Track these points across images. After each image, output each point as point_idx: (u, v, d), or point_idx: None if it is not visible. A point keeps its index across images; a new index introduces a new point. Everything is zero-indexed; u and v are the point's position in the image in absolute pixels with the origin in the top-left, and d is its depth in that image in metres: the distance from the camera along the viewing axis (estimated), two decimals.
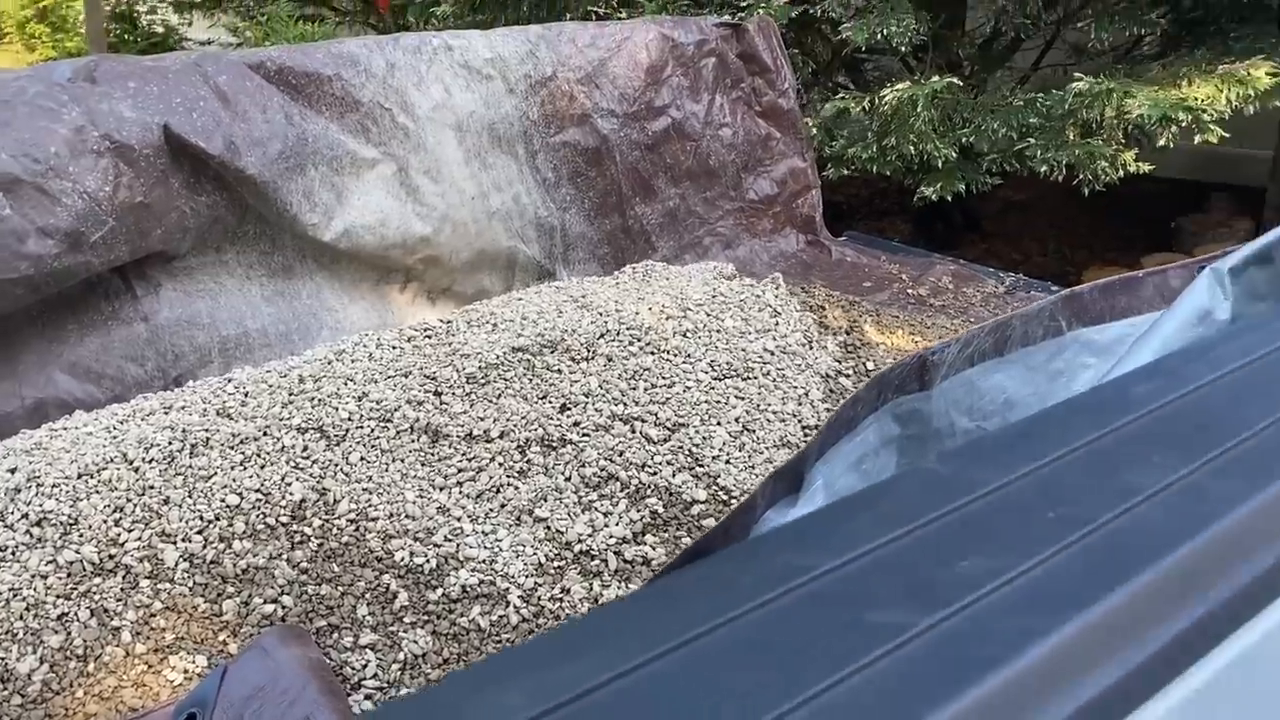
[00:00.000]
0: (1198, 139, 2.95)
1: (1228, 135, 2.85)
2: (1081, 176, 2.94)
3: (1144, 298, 1.18)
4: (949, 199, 3.22)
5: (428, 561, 1.23)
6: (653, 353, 1.51)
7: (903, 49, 3.17)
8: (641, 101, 2.39)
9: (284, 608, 1.21)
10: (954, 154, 3.17)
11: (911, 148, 3.13)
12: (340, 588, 1.23)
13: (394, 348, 1.58)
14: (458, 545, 1.24)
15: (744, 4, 3.22)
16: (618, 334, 1.53)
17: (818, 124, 3.36)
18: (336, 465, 1.34)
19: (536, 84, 2.27)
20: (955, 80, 3.04)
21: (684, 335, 1.56)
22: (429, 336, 1.62)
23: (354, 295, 2.12)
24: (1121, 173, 2.92)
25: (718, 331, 1.60)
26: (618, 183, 2.39)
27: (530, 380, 1.44)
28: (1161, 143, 2.89)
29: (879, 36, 3.07)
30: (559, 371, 1.47)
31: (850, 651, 0.41)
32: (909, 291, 2.41)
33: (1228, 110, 2.92)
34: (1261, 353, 0.65)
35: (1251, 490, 0.50)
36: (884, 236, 4.15)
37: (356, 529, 1.28)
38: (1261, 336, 0.68)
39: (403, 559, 1.23)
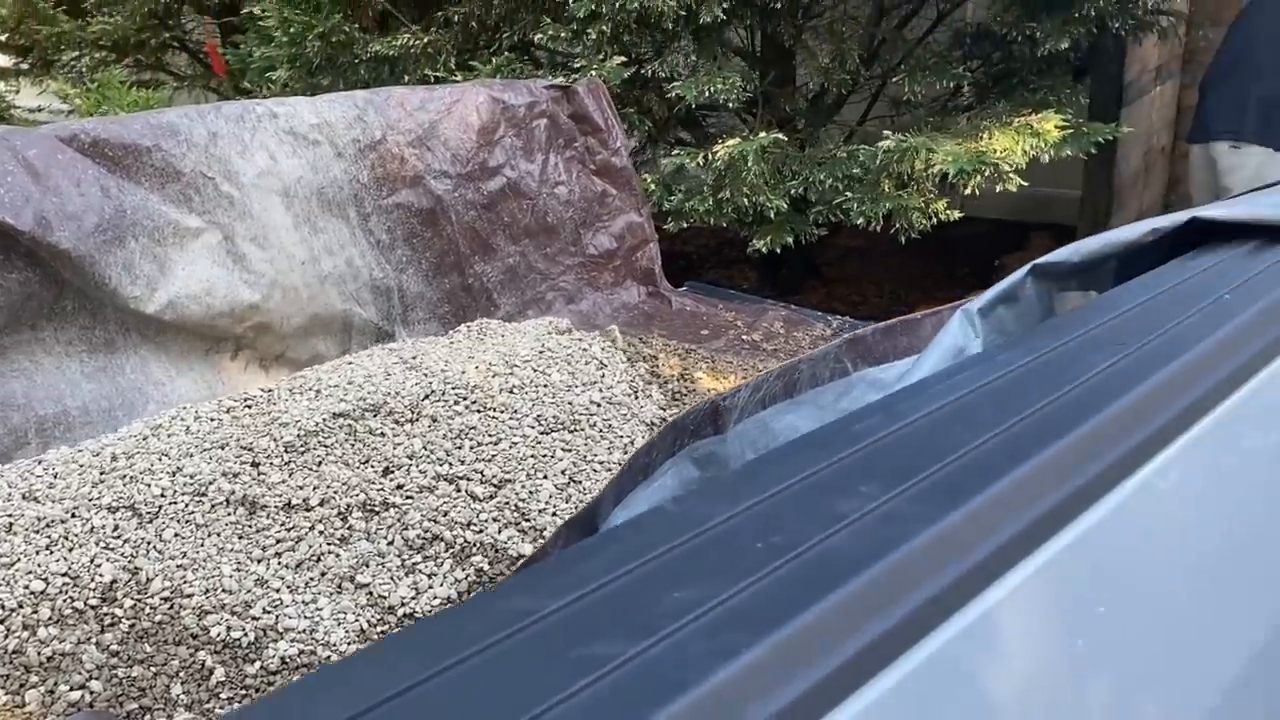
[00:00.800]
0: (999, 188, 3.18)
1: (1026, 184, 3.08)
2: (898, 225, 3.12)
3: (923, 337, 1.27)
4: (779, 250, 3.37)
5: (245, 635, 1.20)
6: (479, 410, 1.53)
7: (731, 105, 3.32)
8: (475, 162, 2.43)
9: (92, 693, 1.17)
10: (784, 205, 3.32)
11: (745, 200, 3.27)
12: (153, 668, 1.20)
13: (212, 420, 1.55)
14: (276, 617, 1.22)
15: (578, 66, 3.32)
16: (443, 394, 1.55)
17: (657, 179, 3.47)
18: (149, 543, 1.30)
19: (366, 148, 2.28)
20: (781, 135, 3.20)
21: (510, 391, 1.59)
22: (249, 406, 1.60)
23: (182, 366, 2.06)
24: (934, 220, 3.12)
25: (544, 386, 1.63)
26: (455, 242, 2.42)
27: (352, 445, 1.44)
28: (967, 191, 3.09)
29: (707, 94, 3.21)
30: (382, 435, 1.47)
31: (555, 685, 0.44)
32: (743, 337, 2.50)
33: (1024, 161, 3.16)
34: (976, 385, 0.72)
35: (937, 514, 0.56)
36: (731, 284, 4.30)
37: (170, 606, 1.25)
38: (979, 371, 0.75)
39: (219, 634, 1.21)
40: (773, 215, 3.32)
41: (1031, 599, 0.56)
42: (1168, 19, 3.93)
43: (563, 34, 3.31)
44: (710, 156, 3.25)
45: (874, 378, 1.22)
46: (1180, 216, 0.97)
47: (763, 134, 3.20)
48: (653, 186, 3.42)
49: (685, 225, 3.48)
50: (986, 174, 3.08)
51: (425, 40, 3.71)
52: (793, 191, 3.37)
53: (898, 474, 0.60)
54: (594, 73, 3.23)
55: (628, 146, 2.69)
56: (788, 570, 0.52)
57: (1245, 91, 3.23)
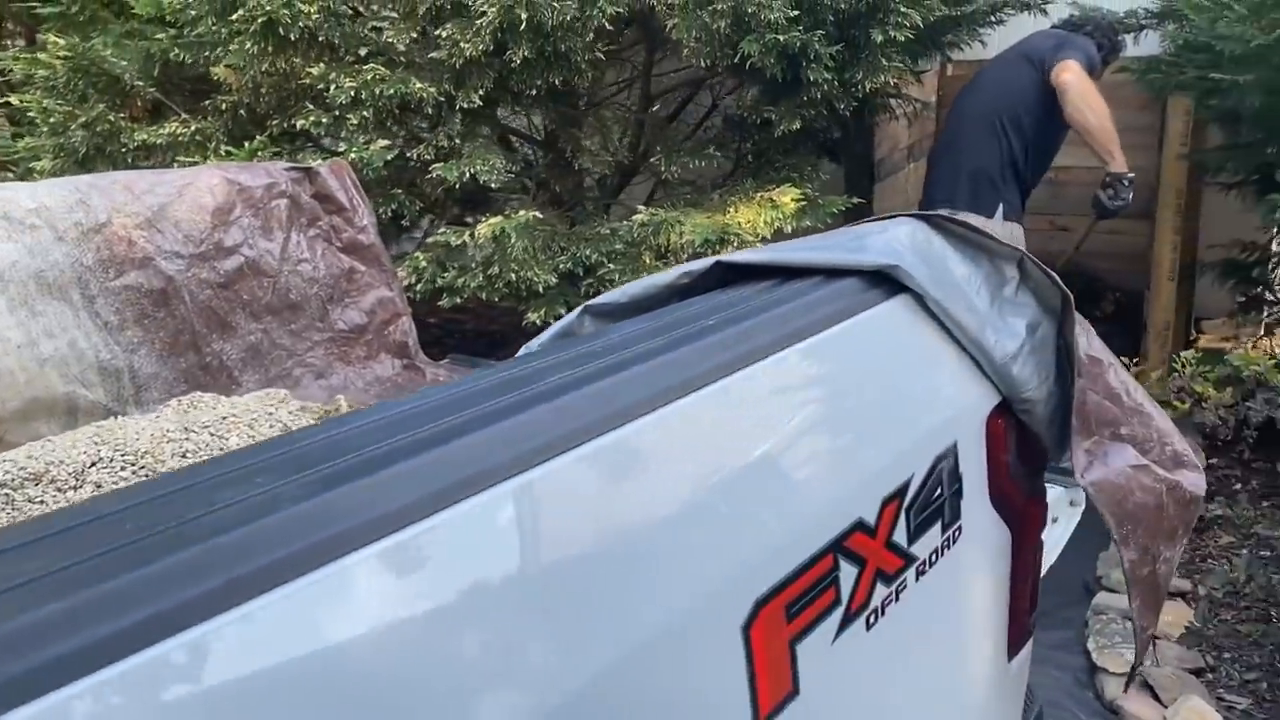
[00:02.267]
0: None
1: None
2: None
3: None
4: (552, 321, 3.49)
5: None
6: (146, 475, 1.55)
7: (493, 186, 3.46)
8: (210, 242, 2.46)
9: None
10: (553, 280, 3.46)
11: (514, 275, 3.39)
12: None
13: None
14: None
15: (341, 150, 3.41)
16: (110, 460, 1.57)
17: (429, 257, 3.56)
18: None
19: (89, 231, 2.28)
20: (538, 214, 3.35)
21: (183, 456, 1.62)
22: None
23: None
24: None
25: (219, 449, 1.66)
26: (190, 321, 2.43)
27: (9, 515, 1.44)
28: None
29: (468, 175, 3.34)
30: (42, 503, 1.47)
31: None
32: None
33: (768, 231, 3.42)
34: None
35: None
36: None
37: None
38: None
39: None
40: (542, 289, 3.45)
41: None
42: (915, 103, 4.35)
43: (324, 120, 3.40)
44: (475, 234, 3.37)
45: None
46: (707, 261, 1.12)
47: (523, 212, 3.34)
48: (424, 264, 3.51)
49: (459, 301, 3.58)
50: (733, 244, 3.30)
51: (194, 129, 3.73)
52: (561, 266, 3.52)
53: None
54: (354, 155, 3.33)
55: (375, 225, 2.77)
56: None
57: (957, 165, 3.60)
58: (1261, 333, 5.13)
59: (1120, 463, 1.27)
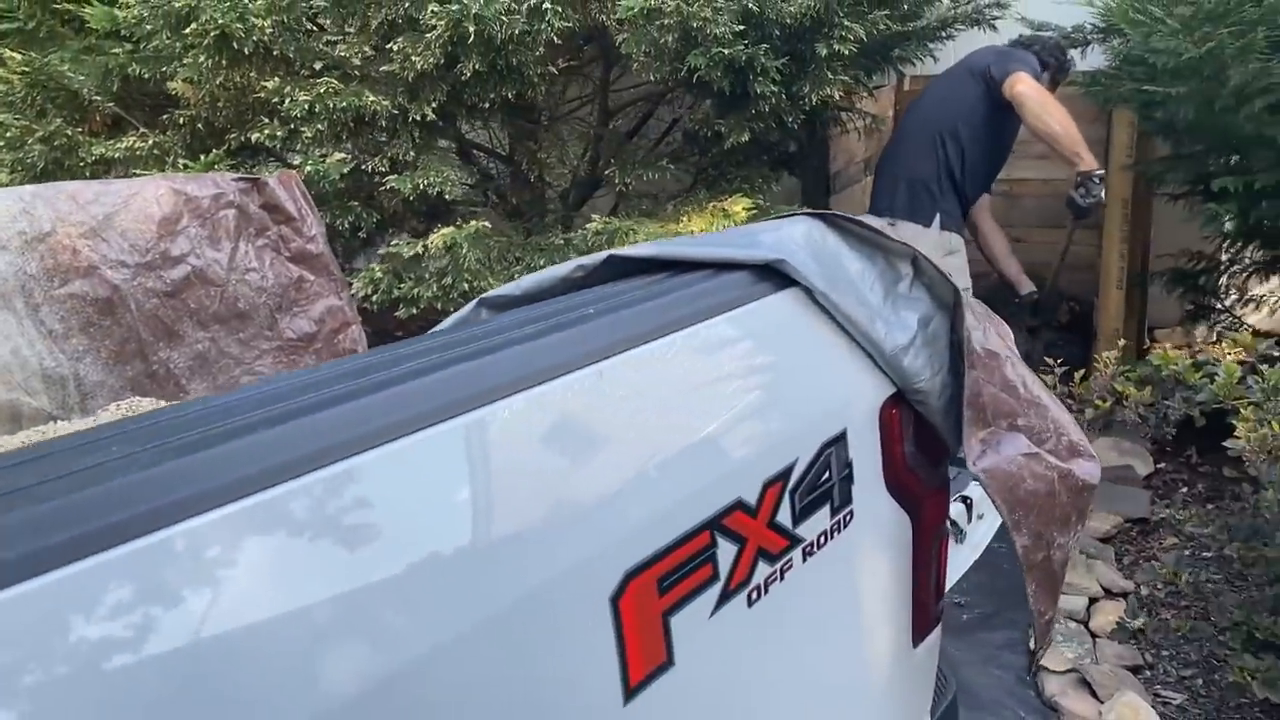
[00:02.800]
0: None
1: None
2: None
3: None
4: None
5: None
6: None
7: (448, 197, 3.50)
8: (156, 251, 2.49)
9: None
10: None
11: (467, 284, 3.43)
12: None
13: None
14: None
15: (296, 163, 3.44)
16: None
17: (385, 269, 3.59)
18: None
19: (33, 240, 2.30)
20: (488, 224, 3.39)
21: None
22: None
23: None
24: None
25: None
26: (136, 330, 2.45)
27: None
28: None
29: (421, 187, 3.38)
30: None
31: None
32: None
33: None
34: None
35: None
36: None
37: None
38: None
39: None
40: None
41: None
42: (867, 117, 4.42)
43: (279, 133, 3.43)
44: (428, 245, 3.41)
45: None
46: (601, 255, 1.16)
47: (474, 222, 3.38)
48: (379, 274, 3.54)
49: (415, 311, 3.61)
50: None
51: (151, 142, 3.76)
52: (515, 274, 3.55)
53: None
54: (309, 168, 3.36)
55: (324, 234, 2.80)
56: None
57: (896, 175, 3.67)
58: (1214, 339, 5.24)
59: (1012, 451, 1.32)
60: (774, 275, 1.18)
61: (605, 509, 0.88)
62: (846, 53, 3.34)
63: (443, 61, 3.21)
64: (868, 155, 5.14)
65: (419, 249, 3.42)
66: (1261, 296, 4.71)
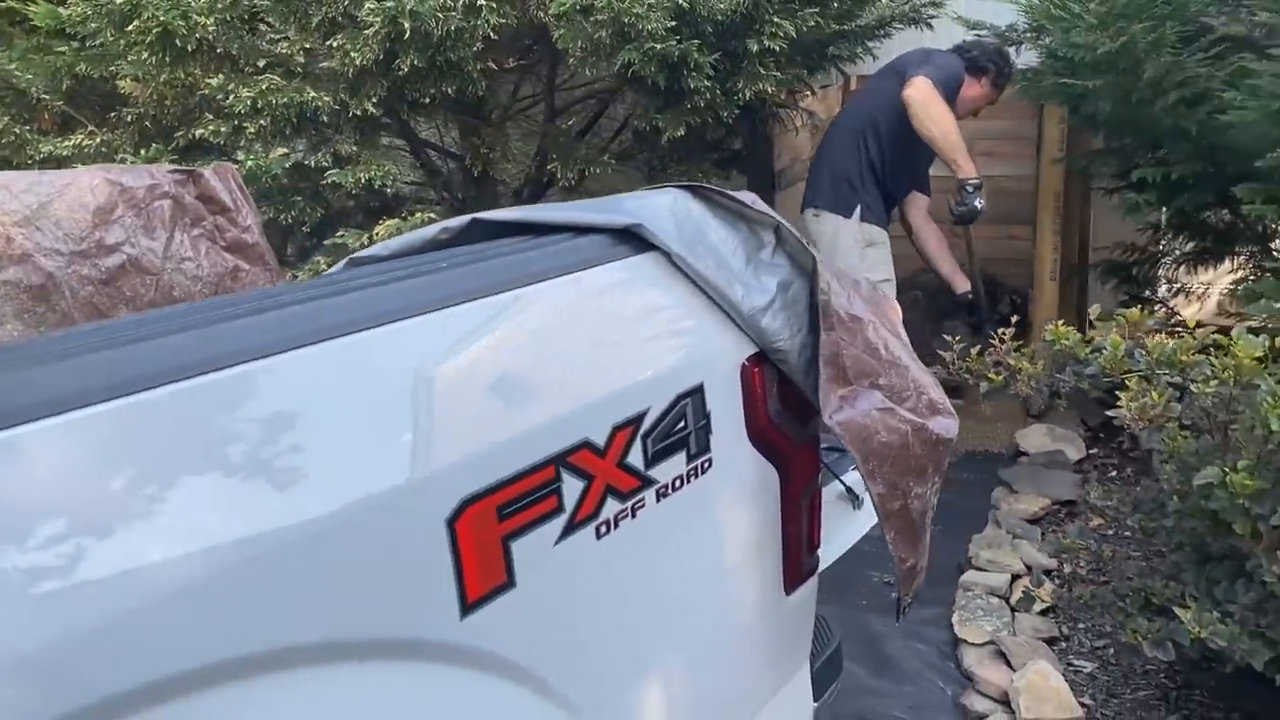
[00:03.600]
0: None
1: None
2: None
3: None
4: None
5: None
6: None
7: (389, 191, 3.56)
8: (91, 240, 2.54)
9: None
10: None
11: None
12: None
13: None
14: None
15: (240, 159, 3.50)
16: None
17: (329, 261, 3.65)
18: None
19: None
20: (433, 215, 3.47)
21: None
22: None
23: None
24: None
25: None
26: (71, 316, 2.51)
27: None
28: None
29: (363, 181, 3.45)
30: None
31: None
32: None
33: None
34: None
35: None
36: None
37: None
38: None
39: None
40: None
41: None
42: (805, 114, 4.53)
43: (223, 129, 3.49)
44: (373, 236, 3.48)
45: None
46: (465, 218, 1.25)
47: (419, 214, 3.46)
48: (324, 266, 3.61)
49: None
50: None
51: (99, 140, 3.81)
52: None
53: None
54: (250, 163, 3.43)
55: (259, 225, 2.86)
56: None
57: (822, 168, 3.78)
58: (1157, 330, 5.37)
59: (867, 405, 1.41)
60: (634, 239, 1.27)
61: (444, 439, 0.96)
62: (777, 49, 3.44)
63: (381, 58, 3.29)
64: (812, 153, 5.25)
65: (364, 240, 3.49)
66: (1193, 288, 4.86)
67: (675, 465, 1.24)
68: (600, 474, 1.12)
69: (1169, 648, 2.21)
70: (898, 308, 1.94)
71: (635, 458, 1.17)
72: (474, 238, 1.24)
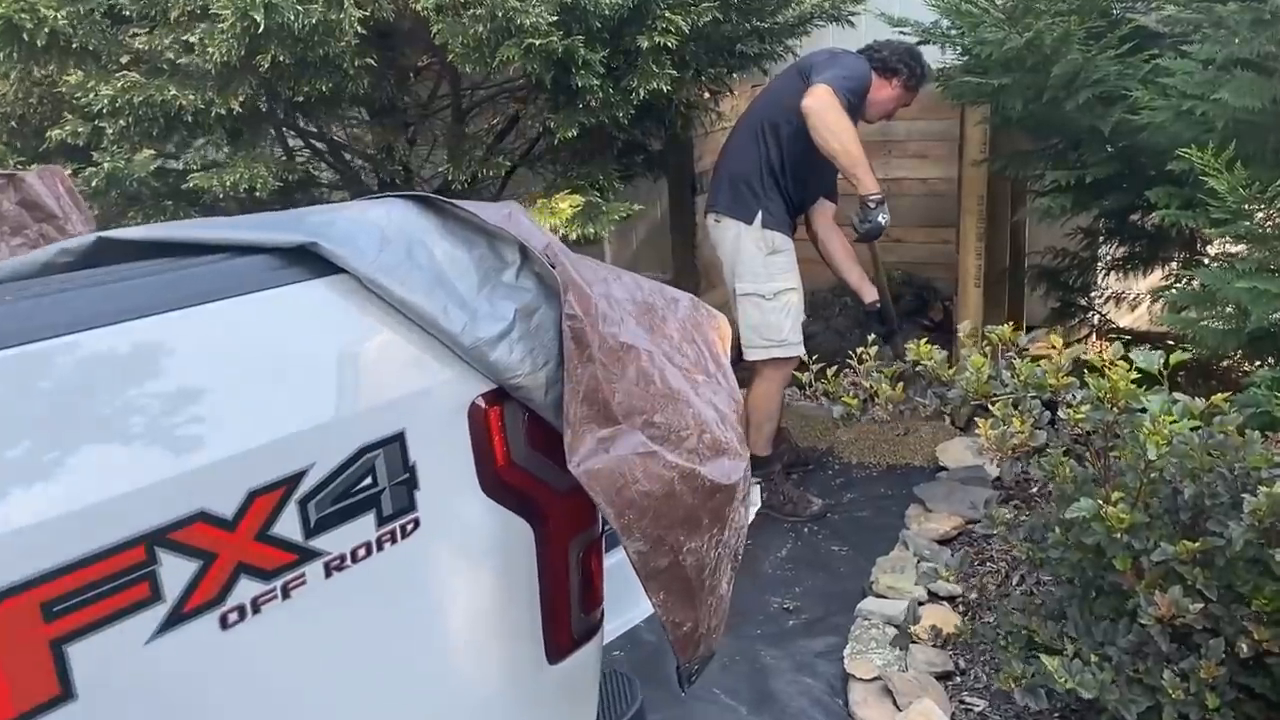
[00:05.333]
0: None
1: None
2: None
3: None
4: None
5: None
6: None
7: (258, 194, 3.34)
8: None
9: None
10: None
11: None
12: None
13: None
14: None
15: (96, 161, 3.29)
16: None
17: None
18: None
19: None
20: None
21: None
22: None
23: None
24: None
25: None
26: None
27: None
28: None
29: (228, 184, 3.24)
30: None
31: None
32: None
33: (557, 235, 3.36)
34: None
35: None
36: None
37: None
38: None
39: None
40: None
41: None
42: (713, 114, 4.35)
43: (81, 129, 3.28)
44: None
45: None
46: (89, 238, 1.05)
47: None
48: None
49: None
50: None
51: None
52: None
53: None
54: (107, 165, 3.22)
55: (91, 230, 2.65)
56: None
57: (721, 170, 3.59)
58: (1095, 338, 5.23)
59: (626, 450, 1.22)
60: (313, 260, 1.07)
61: None
62: (671, 46, 3.25)
63: (243, 53, 3.07)
64: None
65: None
66: (1127, 295, 4.70)
67: (357, 531, 1.04)
68: (227, 550, 0.92)
69: (1041, 695, 2.03)
70: (726, 329, 1.75)
71: (286, 527, 0.97)
72: (106, 260, 1.04)
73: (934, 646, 2.82)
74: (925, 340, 2.01)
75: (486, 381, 1.18)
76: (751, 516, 2.22)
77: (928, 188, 5.31)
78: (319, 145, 4.16)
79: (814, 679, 2.81)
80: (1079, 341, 5.08)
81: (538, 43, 3.07)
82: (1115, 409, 1.96)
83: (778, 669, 2.86)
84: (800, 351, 3.52)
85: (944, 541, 3.44)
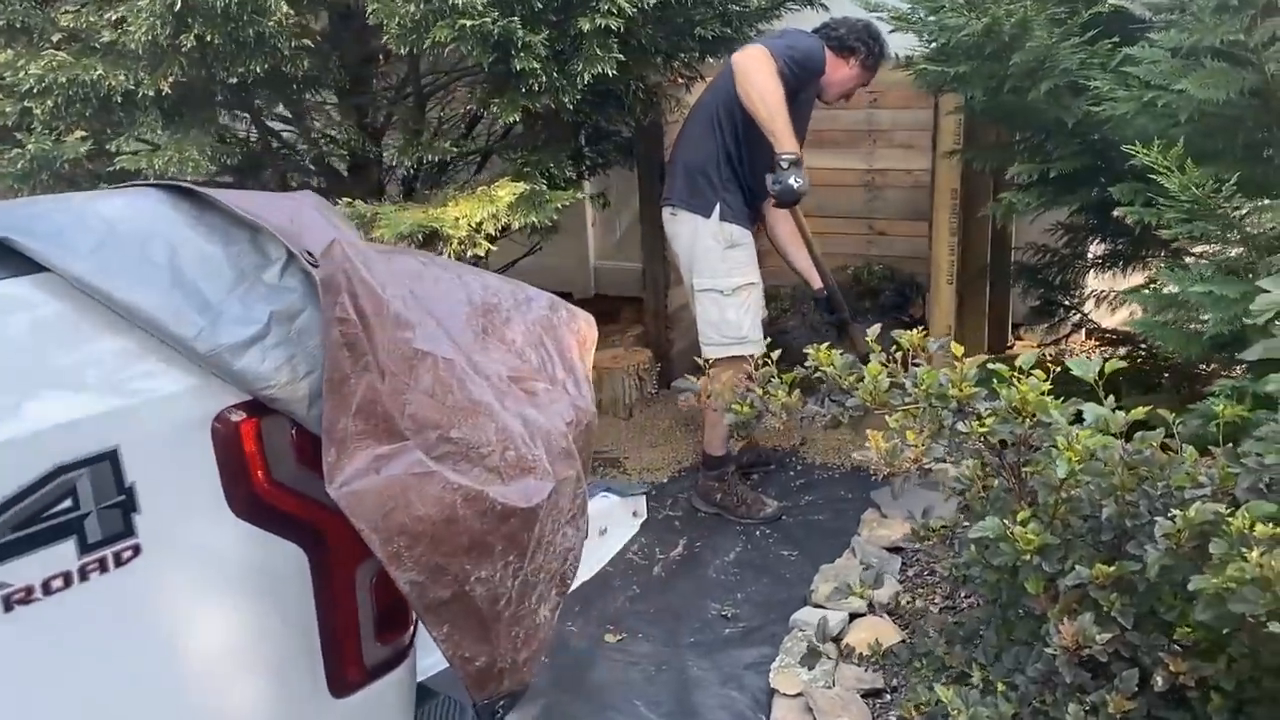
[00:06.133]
0: (469, 252, 3.26)
1: (495, 249, 3.16)
2: None
3: None
4: None
5: None
6: None
7: (192, 177, 3.24)
8: None
9: None
10: None
11: None
12: None
13: None
14: None
15: (26, 145, 3.20)
16: None
17: None
18: None
19: None
20: None
21: None
22: None
23: None
24: None
25: None
26: None
27: None
28: (444, 254, 3.12)
29: (157, 167, 3.15)
30: None
31: None
32: None
33: (492, 226, 3.25)
34: None
35: None
36: None
37: None
38: None
39: None
40: None
41: None
42: (674, 102, 4.20)
43: (8, 108, 3.20)
44: None
45: None
46: None
47: None
48: None
49: None
50: (443, 239, 3.14)
51: None
52: None
53: None
54: (31, 147, 3.13)
55: None
56: None
57: (676, 161, 3.45)
58: (1081, 336, 5.05)
59: (399, 470, 1.11)
60: (22, 257, 0.96)
61: None
62: (612, 27, 3.12)
63: (169, 33, 2.97)
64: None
65: None
66: (1111, 295, 4.52)
67: (51, 560, 0.93)
68: None
69: None
70: (587, 332, 1.63)
71: None
72: None
73: (865, 662, 2.69)
74: (828, 345, 1.88)
75: (239, 393, 1.07)
76: (635, 529, 2.11)
77: (913, 179, 5.14)
78: (282, 129, 4.06)
79: (740, 692, 2.69)
80: (1059, 342, 4.91)
81: (470, 23, 2.95)
82: (1026, 421, 1.82)
83: (704, 681, 2.75)
84: (760, 349, 3.39)
85: (895, 549, 3.30)
